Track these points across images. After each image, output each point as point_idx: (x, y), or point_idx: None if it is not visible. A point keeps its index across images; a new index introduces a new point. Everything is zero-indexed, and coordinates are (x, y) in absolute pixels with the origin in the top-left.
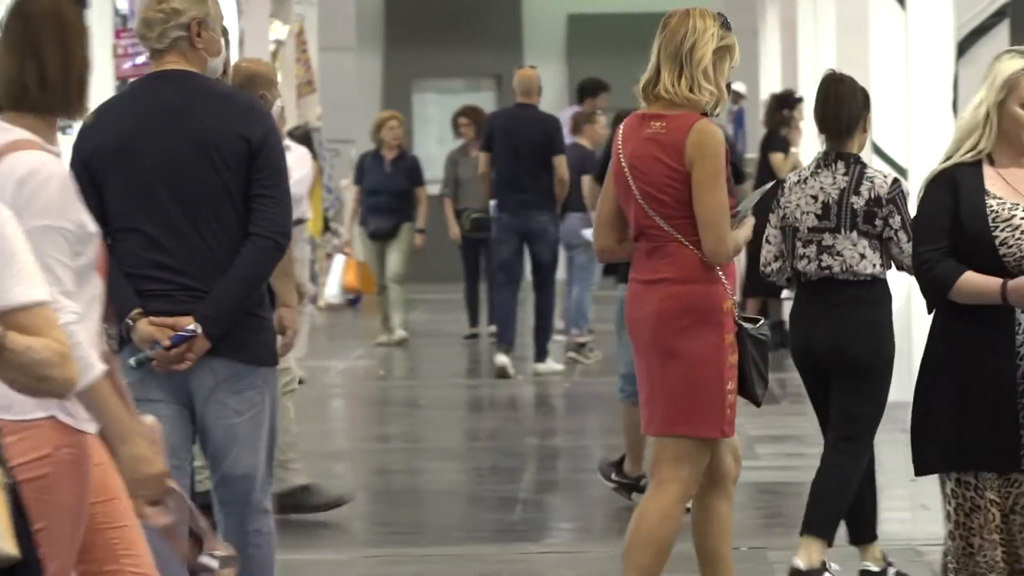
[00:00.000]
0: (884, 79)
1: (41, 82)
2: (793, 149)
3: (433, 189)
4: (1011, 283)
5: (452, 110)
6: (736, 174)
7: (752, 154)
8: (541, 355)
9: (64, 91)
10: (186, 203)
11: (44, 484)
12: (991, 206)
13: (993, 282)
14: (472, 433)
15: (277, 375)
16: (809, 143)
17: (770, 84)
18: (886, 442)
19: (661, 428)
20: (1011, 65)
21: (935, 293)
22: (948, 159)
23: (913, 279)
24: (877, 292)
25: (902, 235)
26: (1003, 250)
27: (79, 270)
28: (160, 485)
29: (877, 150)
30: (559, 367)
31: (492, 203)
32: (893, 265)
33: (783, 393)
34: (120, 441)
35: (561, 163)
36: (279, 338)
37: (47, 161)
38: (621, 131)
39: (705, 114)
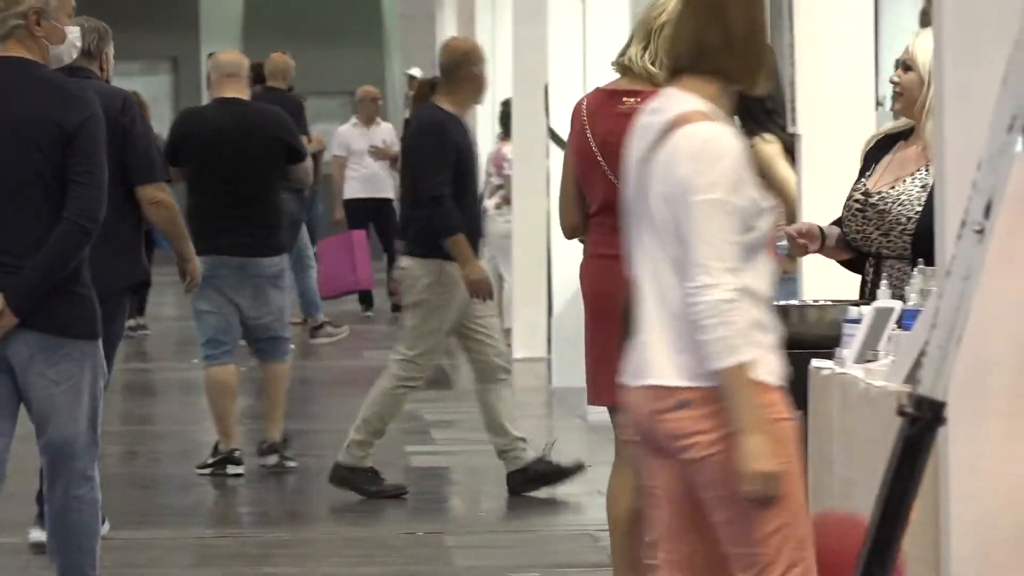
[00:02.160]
0: (562, 68)
1: (725, 44)
2: None
3: None
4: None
5: None
6: (294, 153)
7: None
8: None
9: (745, 57)
10: (5, 186)
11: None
12: (858, 186)
13: None
14: (198, 417)
15: (99, 348)
16: None
17: None
18: (564, 429)
19: None
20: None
21: None
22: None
23: None
24: None
25: None
26: (846, 229)
27: (748, 245)
28: (770, 485)
29: (555, 137)
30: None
31: None
32: None
33: (457, 378)
34: (743, 431)
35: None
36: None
37: (721, 134)
38: (585, 107)
39: None
